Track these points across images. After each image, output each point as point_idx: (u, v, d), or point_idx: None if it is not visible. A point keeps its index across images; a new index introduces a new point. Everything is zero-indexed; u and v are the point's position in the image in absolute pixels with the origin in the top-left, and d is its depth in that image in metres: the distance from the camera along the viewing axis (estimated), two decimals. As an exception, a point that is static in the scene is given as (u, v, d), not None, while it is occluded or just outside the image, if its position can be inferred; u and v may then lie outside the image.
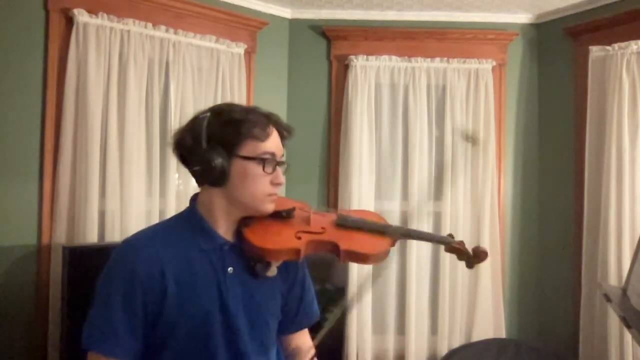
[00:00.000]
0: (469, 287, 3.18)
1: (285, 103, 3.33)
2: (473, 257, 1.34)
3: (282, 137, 1.31)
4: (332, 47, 3.32)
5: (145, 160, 2.69)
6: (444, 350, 3.13)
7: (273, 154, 1.25)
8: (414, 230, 1.43)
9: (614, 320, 2.73)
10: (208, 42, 2.92)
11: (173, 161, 2.77)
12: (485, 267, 3.14)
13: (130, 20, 2.62)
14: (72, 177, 2.48)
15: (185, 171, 2.82)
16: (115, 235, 2.56)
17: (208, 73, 2.93)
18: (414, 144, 3.19)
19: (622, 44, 2.83)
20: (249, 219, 1.29)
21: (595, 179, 2.93)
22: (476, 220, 3.20)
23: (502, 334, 3.19)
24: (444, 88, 3.26)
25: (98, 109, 2.51)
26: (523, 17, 3.33)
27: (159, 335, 1.20)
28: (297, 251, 1.24)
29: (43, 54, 2.47)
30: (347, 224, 1.32)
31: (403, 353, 3.13)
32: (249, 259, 1.27)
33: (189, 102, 2.83)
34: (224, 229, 1.28)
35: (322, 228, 1.30)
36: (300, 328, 1.42)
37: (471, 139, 1.26)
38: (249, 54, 3.13)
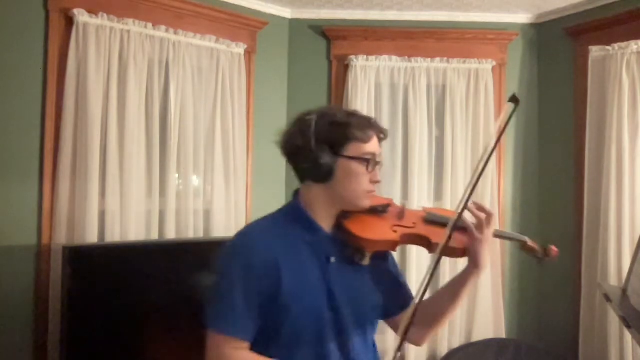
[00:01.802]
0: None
1: (285, 103, 3.33)
2: (544, 256, 1.48)
3: (379, 140, 1.42)
4: (332, 47, 3.32)
5: (145, 160, 2.69)
6: (444, 350, 3.13)
7: (374, 155, 1.36)
8: (500, 231, 1.55)
9: (614, 320, 2.73)
10: (208, 42, 2.92)
11: (173, 161, 2.77)
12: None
13: (130, 20, 2.62)
14: (72, 177, 2.48)
15: (185, 171, 2.85)
16: (115, 235, 2.56)
17: (208, 73, 2.93)
18: (414, 144, 3.19)
19: (622, 44, 2.83)
20: (347, 213, 1.39)
21: (595, 179, 2.93)
22: (476, 220, 3.19)
23: (502, 334, 3.19)
24: (444, 88, 3.26)
25: (98, 109, 2.51)
26: (523, 17, 3.33)
27: (274, 321, 1.29)
28: (395, 243, 1.37)
29: (43, 54, 2.47)
30: (435, 220, 1.44)
31: (403, 353, 3.13)
32: (347, 249, 1.37)
33: (189, 102, 2.83)
34: (325, 222, 1.39)
35: (414, 223, 1.42)
36: (402, 310, 1.48)
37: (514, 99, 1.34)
38: (249, 54, 3.13)
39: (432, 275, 1.19)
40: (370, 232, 1.36)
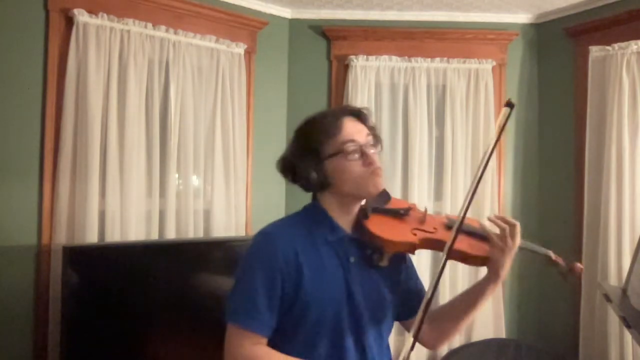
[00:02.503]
0: (469, 287, 3.19)
1: (285, 103, 3.33)
2: (568, 271, 1.47)
3: (363, 120, 1.39)
4: (332, 47, 3.32)
5: (145, 160, 2.69)
6: (444, 350, 3.13)
7: (352, 140, 1.33)
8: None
9: (614, 320, 2.73)
10: (208, 42, 2.92)
11: (173, 161, 2.77)
12: (485, 267, 3.14)
13: (130, 20, 2.62)
14: (72, 177, 2.48)
15: (185, 171, 2.85)
16: (115, 235, 2.56)
17: (208, 73, 2.93)
18: (414, 144, 3.19)
19: (622, 44, 2.83)
20: (368, 213, 1.39)
21: (595, 179, 2.93)
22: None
23: (502, 334, 3.19)
24: (444, 88, 3.26)
25: (98, 109, 2.51)
26: (523, 17, 3.33)
27: (293, 319, 1.31)
28: (413, 245, 1.37)
29: (43, 54, 2.47)
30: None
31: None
32: (366, 249, 1.38)
33: (189, 102, 2.83)
34: (345, 223, 1.40)
35: (434, 228, 1.42)
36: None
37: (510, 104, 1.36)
38: (249, 54, 3.13)
39: (439, 277, 1.19)
40: (391, 233, 1.36)
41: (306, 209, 1.45)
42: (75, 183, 2.48)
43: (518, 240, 1.35)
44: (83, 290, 2.28)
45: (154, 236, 2.70)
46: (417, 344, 1.20)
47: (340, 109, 1.40)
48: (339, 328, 1.33)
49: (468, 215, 1.30)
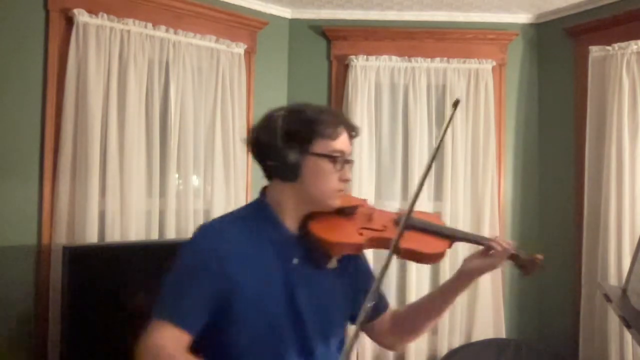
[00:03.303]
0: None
1: (285, 103, 3.31)
2: (528, 265, 1.43)
3: (350, 137, 1.37)
4: (332, 47, 3.32)
5: (145, 160, 2.69)
6: (444, 350, 3.13)
7: (342, 152, 1.31)
8: (472, 234, 1.50)
9: (614, 320, 2.73)
10: (208, 42, 2.92)
11: (173, 161, 2.77)
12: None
13: (130, 20, 2.62)
14: (72, 177, 2.48)
15: (185, 171, 2.85)
16: (115, 235, 2.56)
17: (208, 73, 2.93)
18: (414, 144, 3.19)
19: (622, 44, 2.83)
20: (314, 213, 1.34)
21: (595, 179, 2.93)
22: (476, 220, 3.20)
23: (502, 334, 3.18)
24: (444, 88, 3.26)
25: (98, 109, 2.51)
26: (523, 17, 3.33)
27: (230, 327, 1.24)
28: (359, 246, 1.32)
29: (43, 54, 2.47)
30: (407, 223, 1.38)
31: (403, 353, 3.13)
32: (312, 251, 1.32)
33: (189, 102, 2.83)
34: (291, 222, 1.34)
35: (384, 226, 1.36)
36: (379, 314, 1.47)
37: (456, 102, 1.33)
38: (249, 54, 3.13)
39: (382, 275, 1.11)
40: (335, 234, 1.30)
41: (251, 205, 1.39)
42: (75, 183, 2.48)
43: (502, 261, 1.39)
44: (83, 290, 2.28)
45: (154, 236, 2.70)
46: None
47: (342, 118, 1.36)
48: (280, 337, 1.26)
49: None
